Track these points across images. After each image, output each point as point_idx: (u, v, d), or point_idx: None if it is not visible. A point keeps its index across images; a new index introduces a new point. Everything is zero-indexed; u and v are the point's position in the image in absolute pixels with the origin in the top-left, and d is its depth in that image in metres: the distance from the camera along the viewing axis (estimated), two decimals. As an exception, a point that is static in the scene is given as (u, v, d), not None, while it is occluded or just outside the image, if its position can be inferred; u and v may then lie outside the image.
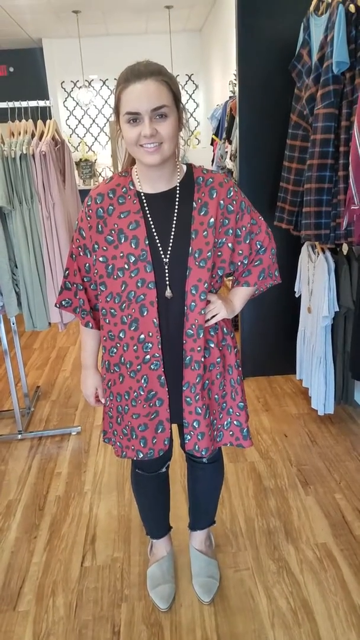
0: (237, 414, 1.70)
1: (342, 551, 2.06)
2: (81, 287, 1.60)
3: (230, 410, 1.70)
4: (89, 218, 1.50)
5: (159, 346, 1.52)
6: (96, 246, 1.50)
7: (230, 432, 1.73)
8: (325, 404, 2.88)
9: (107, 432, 1.74)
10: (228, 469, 2.56)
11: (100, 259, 1.50)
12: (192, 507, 2.00)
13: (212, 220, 1.47)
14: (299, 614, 1.80)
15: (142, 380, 1.56)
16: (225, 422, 1.71)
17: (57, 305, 1.65)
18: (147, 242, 1.44)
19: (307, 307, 2.93)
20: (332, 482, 2.48)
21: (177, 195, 1.47)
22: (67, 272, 1.61)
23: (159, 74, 1.31)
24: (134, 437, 1.62)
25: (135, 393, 1.58)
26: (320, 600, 1.85)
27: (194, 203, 1.47)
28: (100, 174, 8.48)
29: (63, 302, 1.63)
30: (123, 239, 1.45)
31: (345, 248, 2.80)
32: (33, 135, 2.73)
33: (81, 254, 1.56)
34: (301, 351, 3.10)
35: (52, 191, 2.62)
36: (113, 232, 1.46)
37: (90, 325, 1.64)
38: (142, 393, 1.57)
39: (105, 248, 1.48)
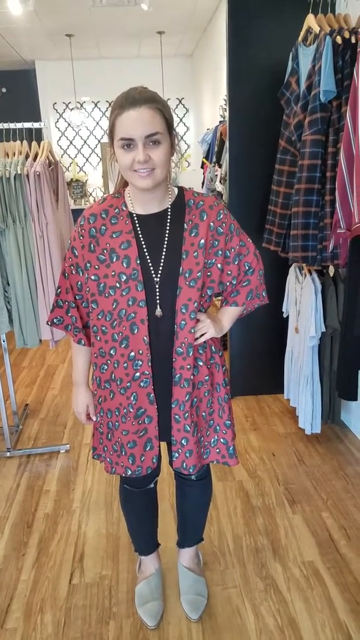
0: (224, 432, 1.73)
1: (329, 569, 2.08)
2: (73, 305, 1.63)
3: (217, 427, 1.73)
4: (81, 237, 1.53)
5: (149, 364, 1.55)
6: (88, 265, 1.53)
7: (217, 450, 1.75)
8: (313, 424, 2.91)
9: (97, 448, 1.76)
10: (216, 487, 2.58)
11: (92, 277, 1.53)
12: (180, 524, 2.01)
13: (202, 241, 1.51)
14: (286, 631, 1.81)
15: (132, 398, 1.58)
16: (212, 440, 1.74)
17: (49, 323, 1.67)
18: (138, 262, 1.48)
19: (294, 328, 2.98)
20: (319, 501, 2.50)
21: (169, 217, 1.52)
22: (59, 290, 1.64)
23: (153, 102, 1.35)
24: (123, 453, 1.64)
25: (125, 410, 1.60)
26: (307, 617, 1.87)
27: (184, 224, 1.51)
28: (91, 194, 8.54)
29: (55, 320, 1.66)
30: (115, 258, 1.49)
31: (331, 270, 2.86)
32: (27, 156, 2.78)
33: (73, 272, 1.59)
34: (289, 371, 3.13)
35: (46, 210, 2.66)
36: (105, 251, 1.50)
37: (83, 342, 1.66)
38: (131, 410, 1.59)
39: (97, 267, 1.52)
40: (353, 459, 2.84)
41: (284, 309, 3.14)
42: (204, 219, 1.52)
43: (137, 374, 1.56)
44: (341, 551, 2.17)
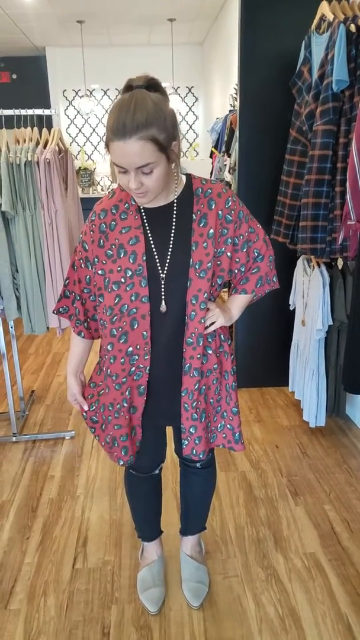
0: (231, 418, 1.74)
1: (330, 561, 2.09)
2: (78, 297, 1.64)
3: (225, 414, 1.74)
4: (92, 232, 1.54)
5: (145, 357, 1.56)
6: (96, 260, 1.54)
7: (223, 435, 1.76)
8: (317, 417, 2.91)
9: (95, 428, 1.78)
10: (219, 477, 2.58)
11: (99, 272, 1.54)
12: (183, 512, 2.02)
13: (211, 231, 1.50)
14: (287, 621, 1.83)
15: (127, 392, 1.61)
16: (219, 425, 1.75)
17: (55, 312, 1.69)
18: (144, 258, 1.48)
19: (301, 320, 2.97)
20: (321, 493, 2.51)
21: (175, 208, 1.51)
22: (67, 281, 1.66)
23: (144, 128, 1.27)
24: (115, 445, 1.67)
25: (119, 405, 1.62)
26: (307, 608, 1.88)
27: (193, 215, 1.50)
28: (99, 183, 8.52)
29: (60, 309, 1.68)
30: (122, 254, 1.49)
31: (340, 263, 2.85)
32: (38, 143, 2.78)
33: (82, 265, 1.61)
34: (294, 363, 3.13)
35: (55, 198, 2.66)
36: (114, 246, 1.50)
37: (83, 334, 1.68)
38: (125, 404, 1.62)
39: (104, 262, 1.52)
40: (357, 452, 2.85)
41: (290, 302, 3.13)
42: (213, 207, 1.51)
43: (133, 368, 1.58)
44: (343, 544, 2.18)
